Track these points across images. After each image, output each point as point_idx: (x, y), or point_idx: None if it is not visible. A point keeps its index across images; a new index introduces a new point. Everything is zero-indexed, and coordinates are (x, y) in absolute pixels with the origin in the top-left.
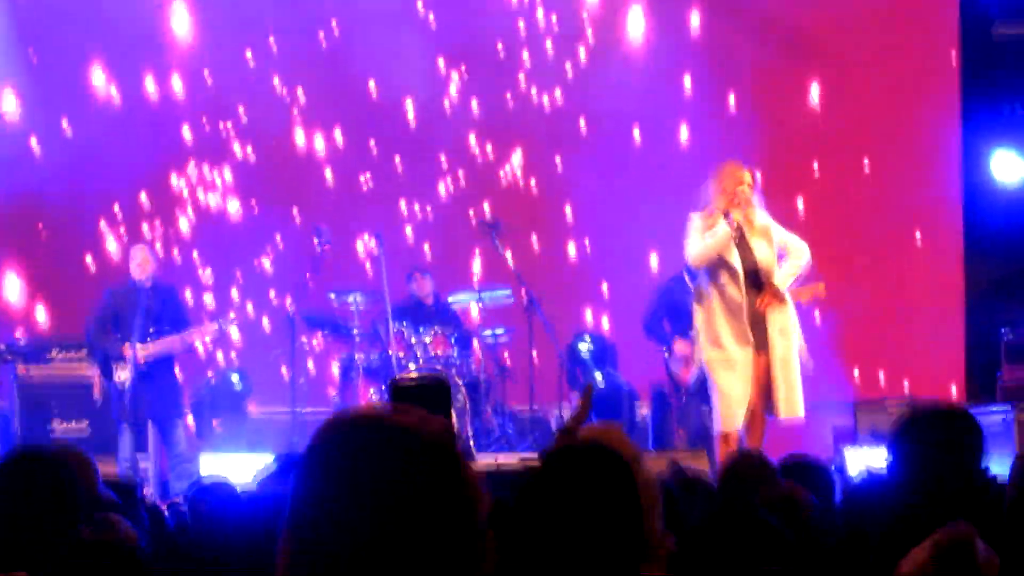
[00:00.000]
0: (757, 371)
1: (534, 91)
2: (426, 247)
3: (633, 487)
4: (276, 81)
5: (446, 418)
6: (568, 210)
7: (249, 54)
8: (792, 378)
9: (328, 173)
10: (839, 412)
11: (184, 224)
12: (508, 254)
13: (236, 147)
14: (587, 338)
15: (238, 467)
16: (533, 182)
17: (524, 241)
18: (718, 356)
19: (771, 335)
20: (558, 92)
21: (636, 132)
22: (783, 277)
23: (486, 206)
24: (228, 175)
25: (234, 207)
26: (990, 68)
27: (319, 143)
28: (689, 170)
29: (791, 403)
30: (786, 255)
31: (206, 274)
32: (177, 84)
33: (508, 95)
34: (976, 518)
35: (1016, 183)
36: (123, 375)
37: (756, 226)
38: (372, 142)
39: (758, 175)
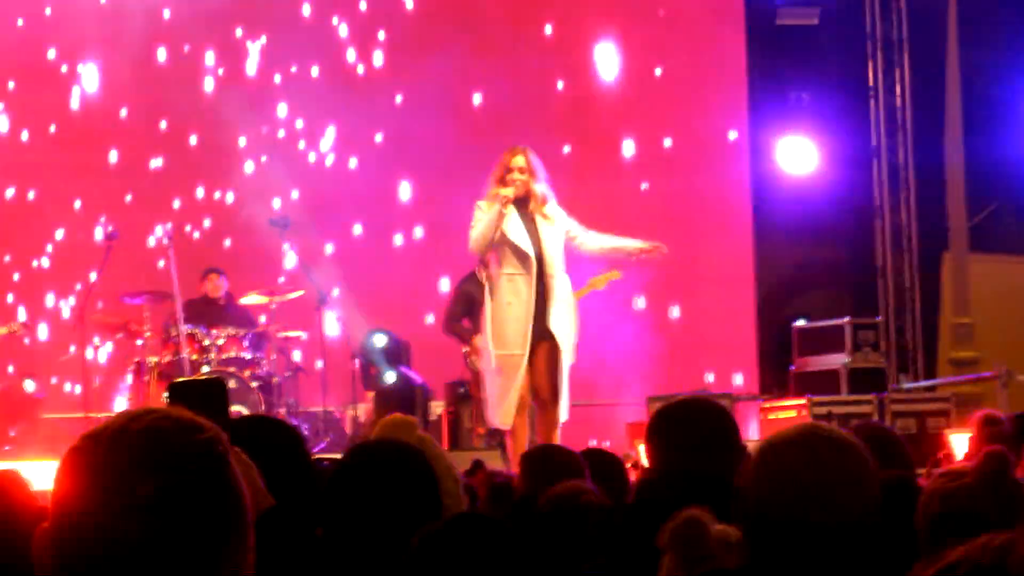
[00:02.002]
0: (538, 366)
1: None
2: (227, 241)
3: (430, 474)
4: (52, 52)
5: (225, 417)
6: (401, 192)
7: (21, 21)
8: (564, 379)
9: (113, 155)
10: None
11: None
12: (294, 253)
13: (3, 124)
14: (380, 335)
15: (32, 474)
16: (353, 162)
17: (344, 229)
18: (501, 350)
19: (554, 331)
20: (378, 56)
21: (476, 97)
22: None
23: (295, 192)
24: None
25: (7, 195)
26: (775, 56)
27: (103, 121)
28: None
29: (564, 408)
30: (581, 237)
31: None
32: None
33: (316, 65)
34: (722, 506)
35: (803, 172)
36: None
37: (546, 213)
38: (163, 121)
39: (533, 157)
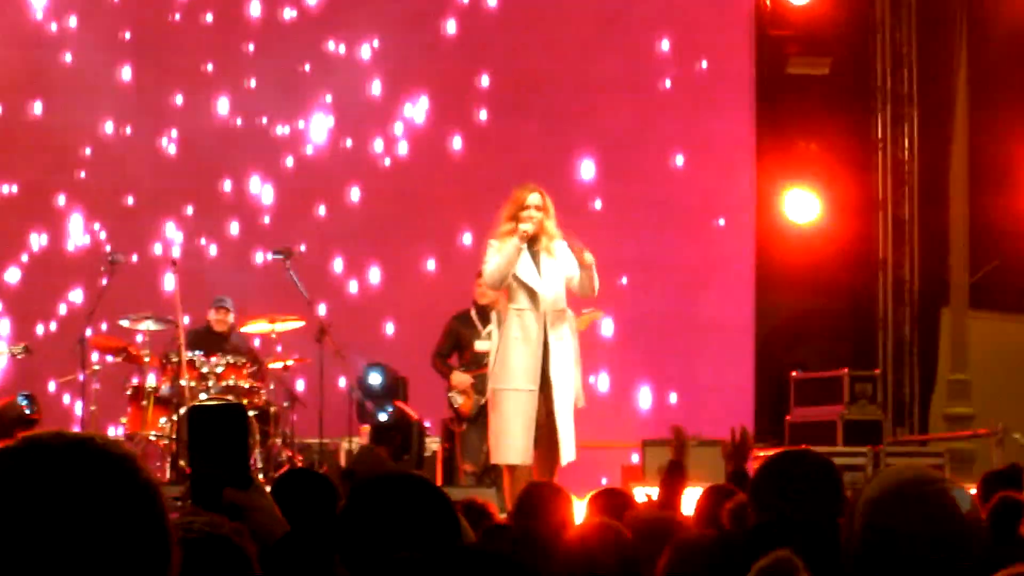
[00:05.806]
0: (541, 408)
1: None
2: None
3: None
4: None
5: (244, 444)
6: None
7: None
8: (570, 421)
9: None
10: (628, 451)
11: None
12: (298, 283)
13: None
14: (377, 370)
15: None
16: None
17: (362, 260)
18: (507, 386)
19: (553, 375)
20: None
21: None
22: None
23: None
24: None
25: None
26: (784, 105)
27: (98, 91)
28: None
29: (568, 447)
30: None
31: None
32: None
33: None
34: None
35: (807, 222)
36: None
37: (553, 254)
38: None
39: (547, 199)
